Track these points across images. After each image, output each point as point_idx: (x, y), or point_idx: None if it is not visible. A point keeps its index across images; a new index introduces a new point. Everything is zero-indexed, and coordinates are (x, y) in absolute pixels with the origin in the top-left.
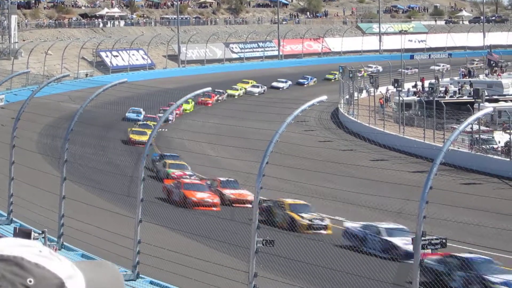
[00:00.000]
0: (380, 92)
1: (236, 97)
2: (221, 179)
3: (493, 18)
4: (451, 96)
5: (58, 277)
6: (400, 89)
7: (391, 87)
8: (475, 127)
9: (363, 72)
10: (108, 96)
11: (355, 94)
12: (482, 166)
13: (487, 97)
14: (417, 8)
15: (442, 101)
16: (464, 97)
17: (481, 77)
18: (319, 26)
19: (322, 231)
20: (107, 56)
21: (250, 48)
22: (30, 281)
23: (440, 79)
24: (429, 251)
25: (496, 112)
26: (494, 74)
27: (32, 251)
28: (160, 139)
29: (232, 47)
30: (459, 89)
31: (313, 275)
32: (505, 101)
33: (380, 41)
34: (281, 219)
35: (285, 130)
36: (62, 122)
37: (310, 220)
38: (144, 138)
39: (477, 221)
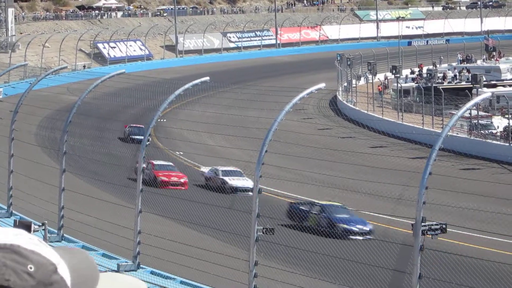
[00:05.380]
0: (378, 79)
1: None
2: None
3: (490, 3)
4: (449, 82)
5: (52, 263)
6: (398, 75)
7: (389, 74)
8: (474, 112)
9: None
10: (106, 88)
11: (353, 81)
12: (481, 151)
13: (485, 82)
14: None
15: (440, 87)
16: (462, 83)
17: (479, 62)
18: (316, 14)
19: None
20: (104, 48)
21: (248, 37)
22: (31, 268)
23: (438, 65)
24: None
25: (495, 97)
26: (492, 59)
27: (24, 238)
28: (158, 129)
29: (230, 37)
30: (455, 75)
31: (313, 263)
32: (503, 86)
33: (377, 28)
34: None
35: (283, 118)
36: (61, 114)
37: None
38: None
39: (477, 206)
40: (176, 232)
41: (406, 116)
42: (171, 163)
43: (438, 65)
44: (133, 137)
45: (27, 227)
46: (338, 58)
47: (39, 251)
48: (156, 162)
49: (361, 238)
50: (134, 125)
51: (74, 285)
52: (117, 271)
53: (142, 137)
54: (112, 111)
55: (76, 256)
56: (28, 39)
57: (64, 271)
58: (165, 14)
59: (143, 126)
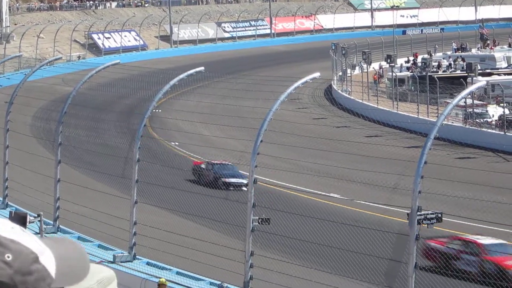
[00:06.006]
0: (373, 68)
1: None
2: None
3: None
4: (444, 71)
5: (33, 252)
6: (393, 64)
7: (384, 63)
8: (469, 101)
9: None
10: (101, 78)
11: (348, 70)
12: (476, 140)
13: (480, 71)
14: None
15: (435, 76)
16: (457, 72)
17: (474, 51)
18: (310, 3)
19: None
20: (99, 38)
21: (242, 27)
22: (8, 257)
23: (433, 54)
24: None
25: (489, 86)
26: (487, 48)
27: (5, 227)
28: (153, 120)
29: (224, 27)
30: (450, 64)
31: (309, 253)
32: (498, 74)
33: (372, 17)
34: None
35: (278, 108)
36: (56, 105)
37: None
38: None
39: (472, 195)
40: (172, 222)
41: (401, 105)
42: (229, 163)
43: (433, 54)
44: (227, 180)
45: (22, 218)
46: (333, 47)
47: (19, 240)
48: (215, 162)
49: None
50: (217, 162)
51: (61, 275)
52: (113, 262)
53: (241, 180)
54: (107, 101)
55: (65, 246)
56: (22, 30)
57: (47, 261)
58: (159, 2)
59: (231, 163)
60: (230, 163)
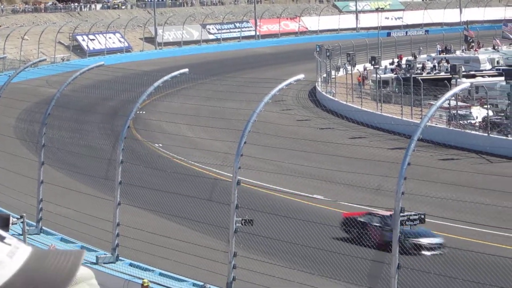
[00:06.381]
0: (358, 70)
1: None
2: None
3: None
4: (428, 73)
5: None
6: (378, 66)
7: (368, 65)
8: (453, 102)
9: None
10: (86, 80)
11: (333, 72)
12: (460, 142)
13: (464, 73)
14: None
15: (419, 77)
16: (441, 73)
17: (458, 53)
18: (295, 5)
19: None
20: (83, 40)
21: (227, 28)
22: None
23: (417, 56)
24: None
25: (473, 88)
26: (471, 49)
27: None
28: (137, 121)
29: (209, 28)
30: (434, 66)
31: (293, 254)
32: (482, 76)
33: (356, 19)
34: None
35: (262, 110)
36: (40, 106)
37: None
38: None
39: (456, 196)
40: (155, 224)
41: (385, 106)
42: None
43: (417, 56)
44: (419, 241)
45: (5, 220)
46: (317, 49)
47: None
48: (381, 213)
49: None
50: (381, 212)
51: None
52: (96, 263)
53: (437, 241)
54: (91, 103)
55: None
56: (7, 31)
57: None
58: (144, 4)
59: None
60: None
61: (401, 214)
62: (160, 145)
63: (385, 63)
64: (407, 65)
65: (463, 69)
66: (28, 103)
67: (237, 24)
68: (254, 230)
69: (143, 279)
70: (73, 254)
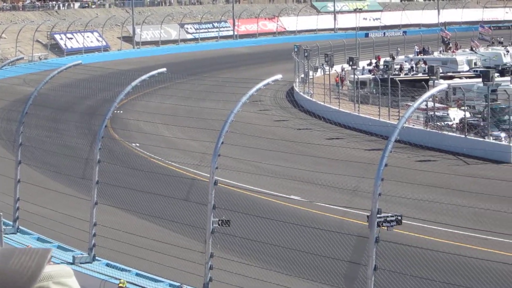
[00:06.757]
0: (335, 70)
1: None
2: None
3: None
4: (406, 74)
5: None
6: (355, 67)
7: (346, 66)
8: (430, 104)
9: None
10: (63, 79)
11: (310, 72)
12: (437, 143)
13: (442, 74)
14: None
15: (397, 78)
16: (419, 75)
17: (436, 54)
18: (274, 5)
19: None
20: (61, 39)
21: (205, 28)
22: None
23: (395, 57)
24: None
25: (451, 89)
26: (449, 51)
27: None
28: (115, 121)
29: (187, 28)
30: (412, 67)
31: (269, 255)
32: (460, 77)
33: (335, 19)
34: None
35: (240, 110)
36: (17, 105)
37: None
38: None
39: (433, 197)
40: (132, 224)
41: (362, 107)
42: None
43: (395, 57)
44: None
45: None
46: (296, 49)
47: None
48: None
49: None
50: None
51: None
52: (73, 263)
53: None
54: (69, 102)
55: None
56: None
57: None
58: (123, 3)
59: None
60: None
61: (378, 215)
62: (138, 144)
63: (363, 64)
64: (385, 66)
65: (441, 71)
66: (5, 101)
67: (215, 24)
68: (231, 230)
69: (119, 279)
70: (39, 253)
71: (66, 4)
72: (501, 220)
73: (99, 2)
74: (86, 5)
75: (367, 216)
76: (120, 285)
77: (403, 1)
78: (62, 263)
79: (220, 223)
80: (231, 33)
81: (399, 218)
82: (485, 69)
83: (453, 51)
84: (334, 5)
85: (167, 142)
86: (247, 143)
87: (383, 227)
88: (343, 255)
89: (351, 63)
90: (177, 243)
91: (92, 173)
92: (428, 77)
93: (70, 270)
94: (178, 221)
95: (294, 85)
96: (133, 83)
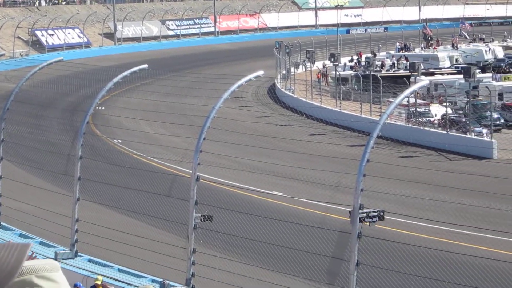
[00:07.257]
0: (317, 67)
1: None
2: None
3: None
4: (387, 70)
5: None
6: (337, 63)
7: (327, 62)
8: (412, 100)
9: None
10: (45, 75)
11: (292, 69)
12: (419, 139)
13: (423, 71)
14: None
15: (378, 75)
16: (400, 71)
17: (417, 50)
18: (255, 2)
19: None
20: (42, 35)
21: (186, 25)
22: None
23: (377, 53)
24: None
25: (432, 85)
26: (430, 47)
27: None
28: (96, 117)
29: (168, 24)
30: (393, 63)
31: (252, 251)
32: (441, 74)
33: (316, 16)
34: None
35: (222, 106)
36: None
37: None
38: None
39: (415, 193)
40: (114, 220)
41: (344, 104)
42: None
43: (376, 53)
44: None
45: None
46: (277, 46)
47: None
48: None
49: None
50: None
51: None
52: (55, 259)
53: None
54: (50, 98)
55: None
56: None
57: None
58: (104, 0)
59: None
60: None
61: (360, 211)
62: (119, 140)
63: (344, 60)
64: (366, 63)
65: (422, 67)
66: None
67: (197, 21)
68: (213, 226)
69: (97, 276)
70: (18, 248)
71: (47, 0)
72: (483, 215)
73: None
74: (65, 1)
75: (349, 212)
76: (97, 282)
77: None
78: (44, 259)
79: (202, 218)
80: (212, 29)
81: (381, 213)
82: (467, 65)
83: (435, 48)
84: (316, 1)
85: (149, 138)
86: (229, 139)
87: (365, 223)
88: (326, 250)
89: (332, 59)
90: (159, 238)
91: (74, 169)
92: (409, 74)
93: (57, 264)
94: (161, 217)
95: (275, 81)
96: (115, 80)
